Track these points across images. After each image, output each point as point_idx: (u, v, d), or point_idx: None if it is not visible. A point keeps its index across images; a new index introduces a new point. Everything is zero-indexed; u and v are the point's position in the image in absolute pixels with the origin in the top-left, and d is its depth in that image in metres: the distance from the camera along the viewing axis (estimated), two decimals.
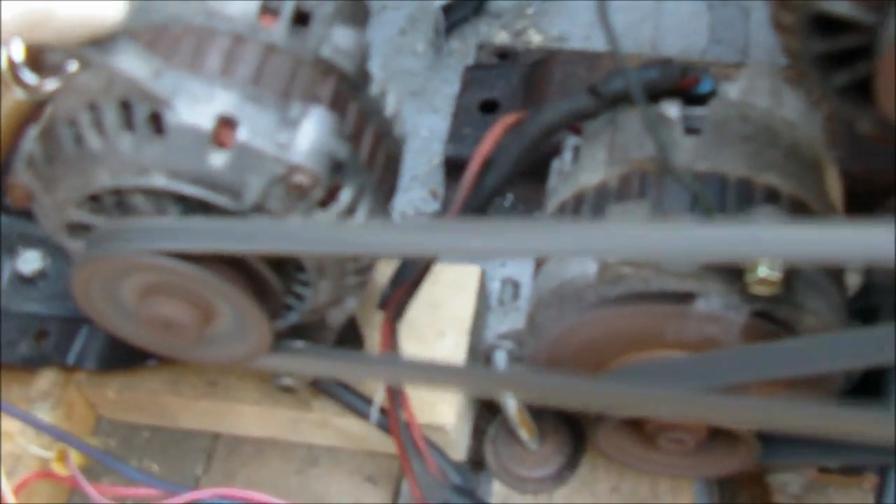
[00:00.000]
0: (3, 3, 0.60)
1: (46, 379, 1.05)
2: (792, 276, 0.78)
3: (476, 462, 1.05)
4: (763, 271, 0.76)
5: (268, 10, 0.80)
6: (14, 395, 1.03)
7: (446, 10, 1.35)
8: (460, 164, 1.18)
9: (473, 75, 1.26)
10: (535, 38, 1.36)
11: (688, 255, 0.76)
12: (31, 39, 0.65)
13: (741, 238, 0.66)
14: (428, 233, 0.71)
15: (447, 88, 1.32)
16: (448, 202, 1.19)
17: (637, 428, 0.93)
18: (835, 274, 0.85)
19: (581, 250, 0.75)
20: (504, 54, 1.31)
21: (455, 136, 1.21)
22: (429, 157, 1.26)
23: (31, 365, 1.04)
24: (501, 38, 1.37)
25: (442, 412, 0.99)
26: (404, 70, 1.34)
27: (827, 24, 0.74)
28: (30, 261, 1.05)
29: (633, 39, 1.33)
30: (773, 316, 0.81)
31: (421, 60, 1.35)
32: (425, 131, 1.29)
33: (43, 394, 1.04)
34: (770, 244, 0.65)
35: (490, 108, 1.23)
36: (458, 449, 1.03)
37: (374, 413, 0.98)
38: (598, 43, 1.34)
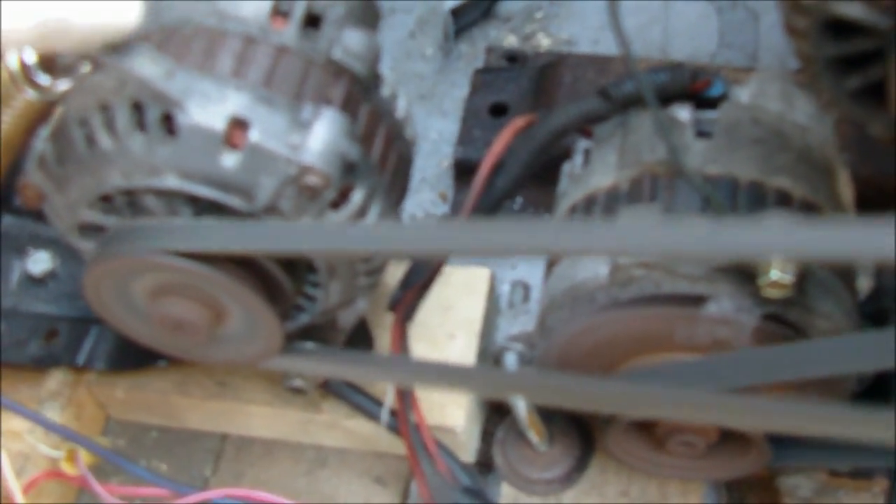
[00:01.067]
0: (19, 12, 0.60)
1: (56, 379, 1.06)
2: (803, 279, 0.77)
3: (485, 464, 1.05)
4: (775, 274, 0.76)
5: (279, 11, 0.80)
6: (24, 394, 1.03)
7: (455, 13, 1.35)
8: (470, 167, 1.18)
9: (483, 79, 1.26)
10: (544, 42, 1.36)
11: (700, 254, 0.76)
12: (48, 48, 0.65)
13: (754, 237, 0.66)
14: (441, 232, 0.71)
15: (456, 91, 1.32)
16: (458, 205, 1.19)
17: (647, 431, 0.93)
18: (846, 277, 0.85)
19: (594, 248, 0.75)
20: (513, 58, 1.31)
21: (465, 139, 1.21)
22: (438, 159, 1.26)
23: (41, 365, 1.04)
24: (510, 41, 1.37)
25: (451, 414, 0.99)
26: (413, 73, 1.34)
27: (840, 28, 0.74)
28: (39, 261, 1.06)
29: (642, 42, 1.33)
30: (784, 319, 0.81)
31: (430, 63, 1.35)
32: (434, 134, 1.29)
33: (52, 394, 1.05)
34: (782, 242, 0.66)
35: (500, 111, 1.23)
36: (468, 451, 1.03)
37: (385, 415, 0.98)
38: (606, 47, 1.34)
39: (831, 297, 0.82)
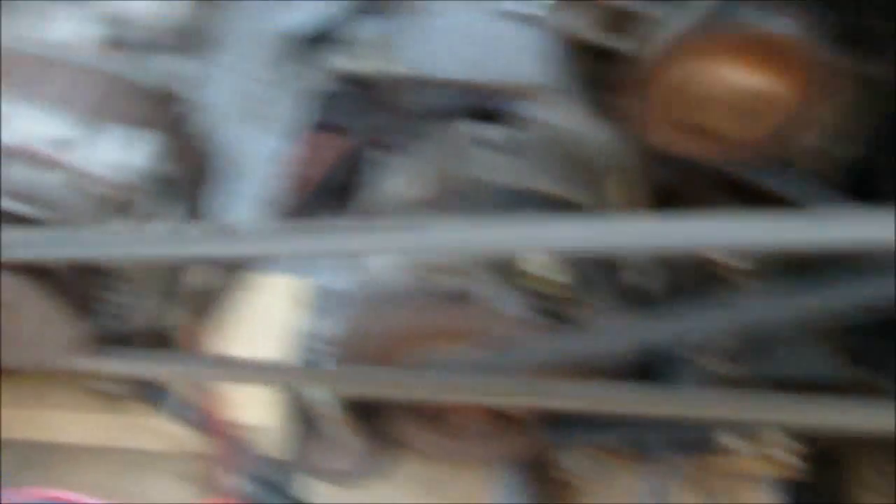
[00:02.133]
0: None
1: None
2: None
3: (287, 459, 1.07)
4: (534, 268, 0.83)
5: (110, 39, 0.84)
6: None
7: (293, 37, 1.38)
8: None
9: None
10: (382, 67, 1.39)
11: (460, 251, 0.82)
12: None
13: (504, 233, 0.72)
14: (245, 236, 0.75)
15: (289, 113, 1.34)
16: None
17: (432, 419, 0.98)
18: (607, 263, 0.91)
19: (387, 248, 0.81)
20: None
21: None
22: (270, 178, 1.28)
23: None
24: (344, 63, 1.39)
25: (255, 412, 1.02)
26: (246, 92, 1.36)
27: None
28: None
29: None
30: (548, 310, 0.88)
31: (262, 84, 1.38)
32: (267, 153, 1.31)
33: None
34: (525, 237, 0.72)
35: None
36: (272, 447, 1.05)
37: (192, 414, 1.00)
38: None
39: (593, 287, 0.88)
